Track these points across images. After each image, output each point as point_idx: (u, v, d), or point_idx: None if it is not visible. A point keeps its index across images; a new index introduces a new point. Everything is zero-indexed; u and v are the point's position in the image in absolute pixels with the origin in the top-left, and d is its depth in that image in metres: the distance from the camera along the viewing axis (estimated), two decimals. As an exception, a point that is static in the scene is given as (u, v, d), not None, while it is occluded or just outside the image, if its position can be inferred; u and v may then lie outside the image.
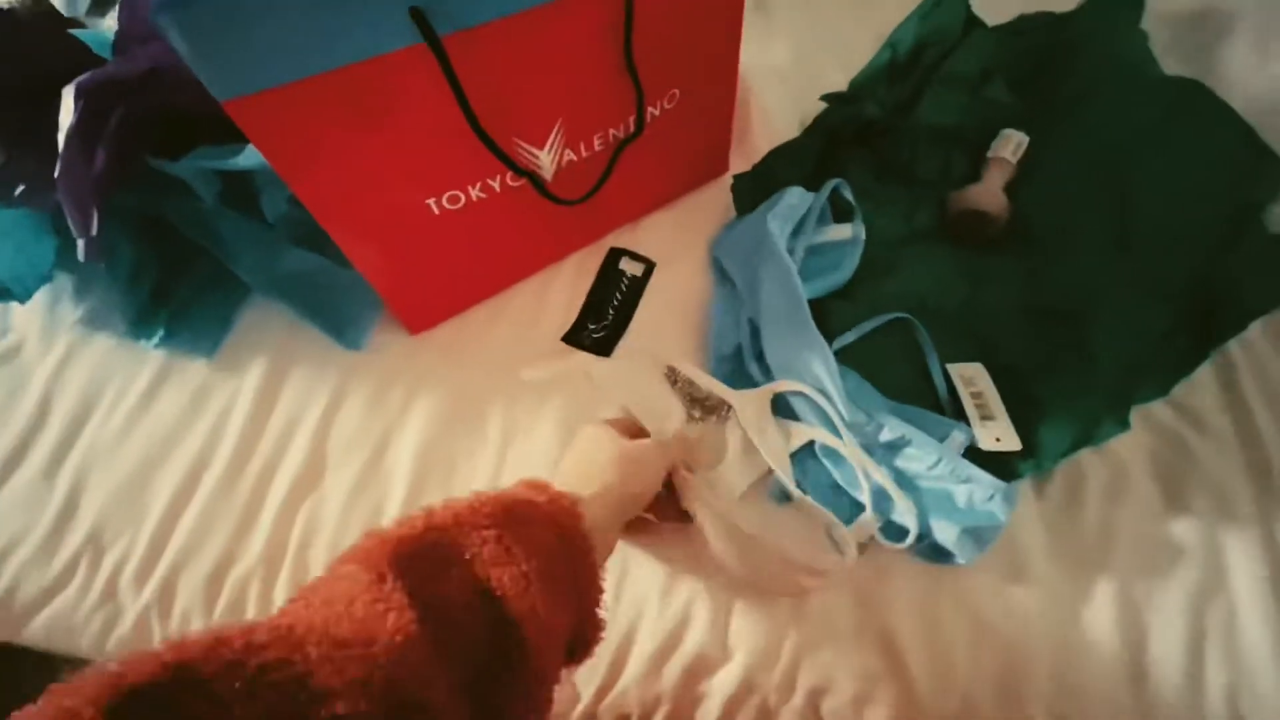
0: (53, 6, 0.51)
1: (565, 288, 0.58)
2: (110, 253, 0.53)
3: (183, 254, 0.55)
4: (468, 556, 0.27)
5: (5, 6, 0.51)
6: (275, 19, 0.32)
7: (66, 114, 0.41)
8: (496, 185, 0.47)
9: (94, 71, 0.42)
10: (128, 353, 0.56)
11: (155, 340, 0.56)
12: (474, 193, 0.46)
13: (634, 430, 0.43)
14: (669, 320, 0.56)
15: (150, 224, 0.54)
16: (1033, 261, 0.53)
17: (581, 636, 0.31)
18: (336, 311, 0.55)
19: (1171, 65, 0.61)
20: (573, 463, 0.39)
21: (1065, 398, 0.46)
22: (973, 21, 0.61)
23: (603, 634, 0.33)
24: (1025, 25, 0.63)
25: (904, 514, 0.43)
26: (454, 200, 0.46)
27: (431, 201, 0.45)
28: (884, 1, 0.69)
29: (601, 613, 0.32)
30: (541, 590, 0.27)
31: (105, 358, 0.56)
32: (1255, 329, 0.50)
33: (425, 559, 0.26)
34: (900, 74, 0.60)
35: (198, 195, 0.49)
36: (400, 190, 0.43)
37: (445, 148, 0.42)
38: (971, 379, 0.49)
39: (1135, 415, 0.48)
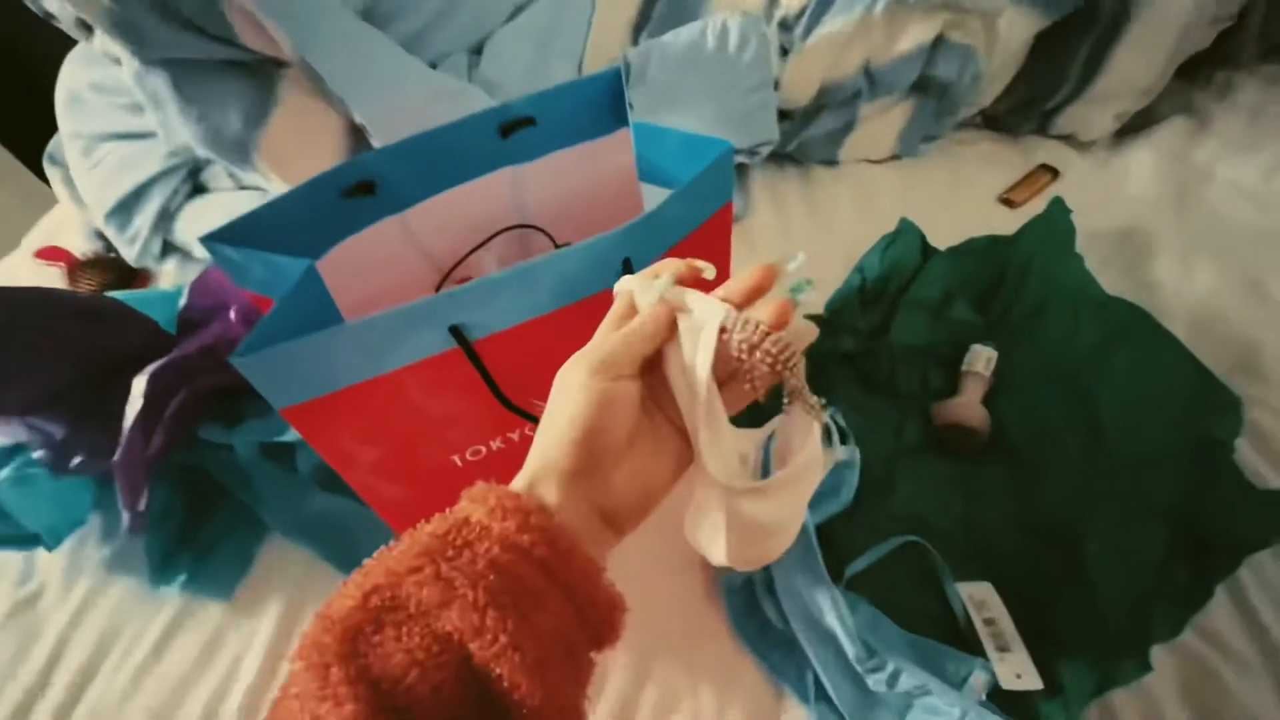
0: (117, 301, 0.56)
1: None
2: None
3: (207, 495, 0.58)
4: (412, 608, 0.24)
5: (74, 295, 0.57)
6: (333, 351, 0.37)
7: (135, 401, 0.46)
8: (516, 437, 0.51)
9: (160, 362, 0.48)
10: (145, 598, 0.57)
11: (177, 585, 0.56)
12: (494, 444, 0.50)
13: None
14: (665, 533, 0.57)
15: (181, 469, 0.57)
16: (1019, 474, 0.56)
17: (595, 619, 0.27)
18: (357, 549, 0.56)
19: (1111, 278, 0.69)
20: (541, 425, 0.32)
21: (1079, 631, 0.46)
22: (928, 249, 0.70)
23: (622, 608, 0.28)
24: (974, 245, 0.72)
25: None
26: (476, 454, 0.50)
27: (455, 458, 0.49)
28: (844, 229, 0.80)
29: (609, 587, 0.28)
30: (500, 611, 0.24)
31: (122, 603, 0.57)
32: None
33: (375, 626, 0.24)
34: (871, 299, 0.68)
35: (234, 449, 0.53)
36: (429, 455, 0.47)
37: (473, 418, 0.46)
38: (983, 601, 0.50)
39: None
